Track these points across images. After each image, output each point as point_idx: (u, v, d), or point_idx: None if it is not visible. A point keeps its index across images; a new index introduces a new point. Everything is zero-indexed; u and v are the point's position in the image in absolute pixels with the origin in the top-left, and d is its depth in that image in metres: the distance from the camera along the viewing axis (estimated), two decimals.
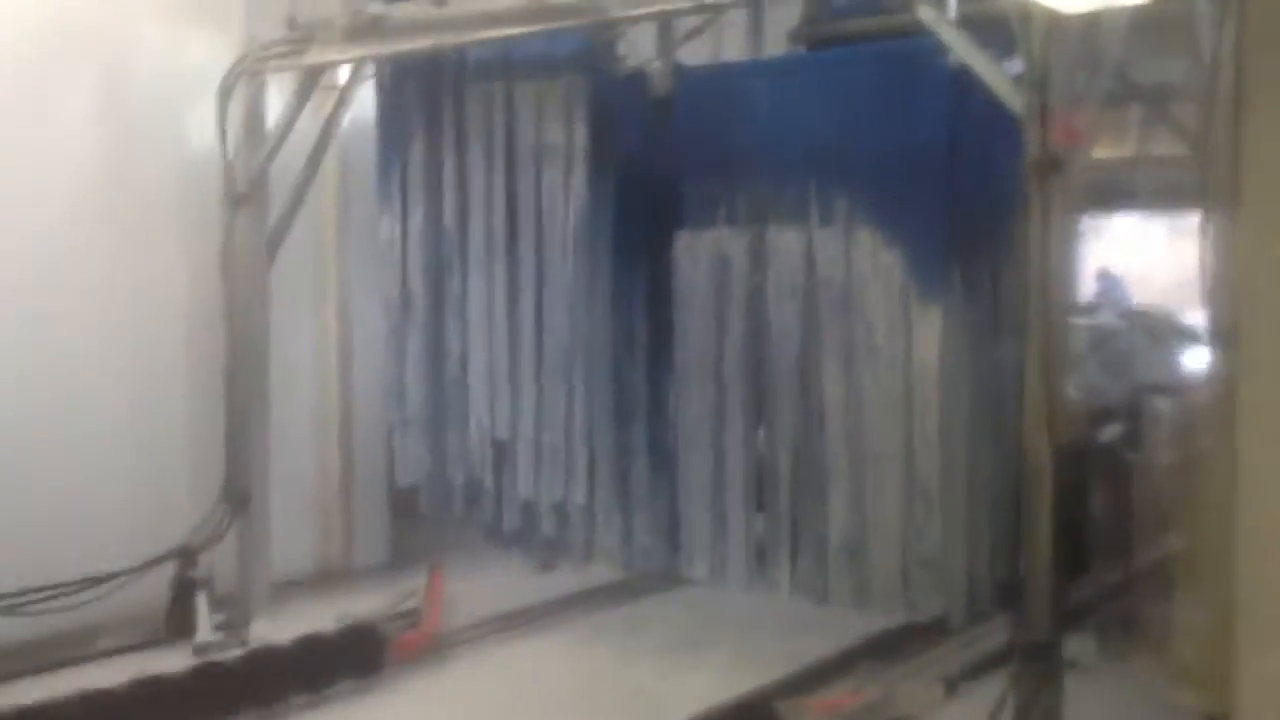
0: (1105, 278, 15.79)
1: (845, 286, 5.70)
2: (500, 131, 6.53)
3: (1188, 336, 8.81)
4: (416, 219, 6.86)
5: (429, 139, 6.81)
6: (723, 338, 6.04)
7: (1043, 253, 4.40)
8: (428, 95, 6.79)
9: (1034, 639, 4.36)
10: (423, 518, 8.78)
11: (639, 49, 6.40)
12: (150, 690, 5.19)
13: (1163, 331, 9.06)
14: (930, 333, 5.46)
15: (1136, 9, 4.75)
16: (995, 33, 4.84)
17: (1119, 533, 6.38)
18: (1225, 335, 4.55)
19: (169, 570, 6.59)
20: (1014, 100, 4.55)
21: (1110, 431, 6.86)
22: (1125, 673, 5.56)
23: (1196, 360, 8.66)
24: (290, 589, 7.32)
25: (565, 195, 6.36)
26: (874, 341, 5.58)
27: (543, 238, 6.47)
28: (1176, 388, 8.01)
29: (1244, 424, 3.56)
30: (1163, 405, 7.02)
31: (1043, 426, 4.46)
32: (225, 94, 6.72)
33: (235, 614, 6.69)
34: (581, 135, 6.26)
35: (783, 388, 5.87)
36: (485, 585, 7.35)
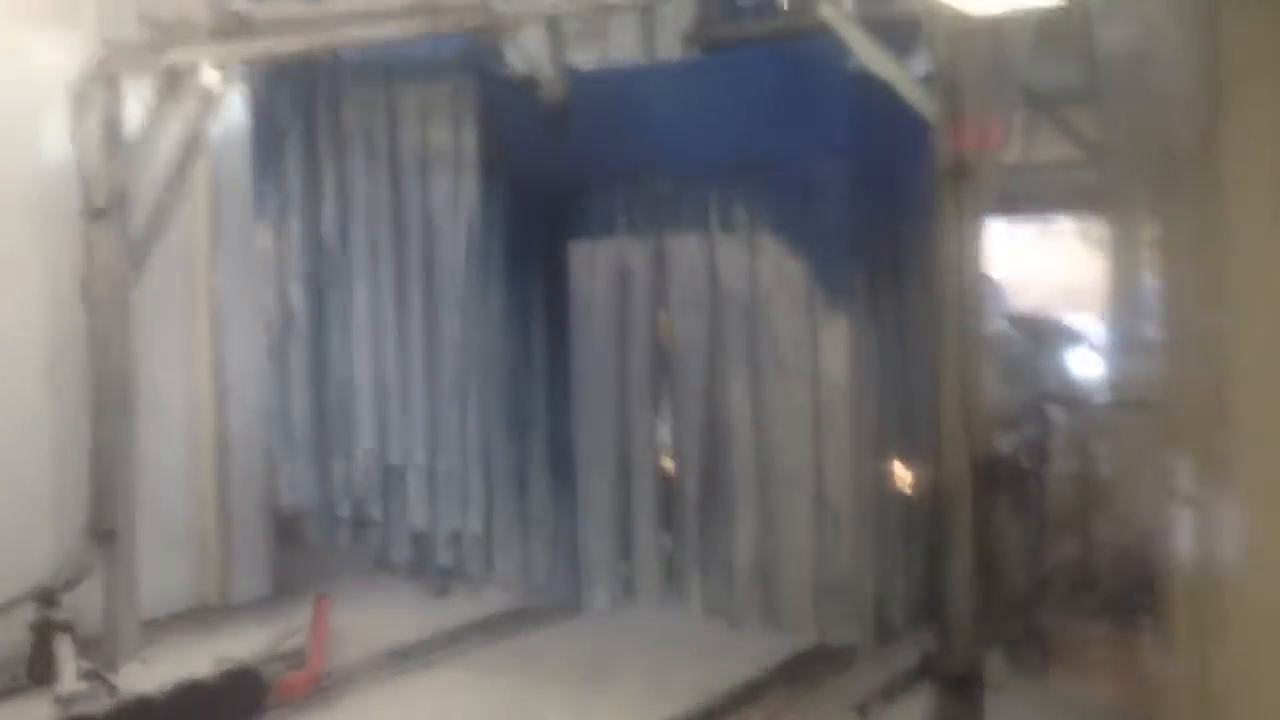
0: (984, 283, 16.03)
1: (750, 296, 5.54)
2: (382, 138, 6.22)
3: (1073, 341, 8.87)
4: (294, 230, 6.50)
5: (307, 145, 6.47)
6: (625, 352, 5.83)
7: (956, 258, 4.25)
8: (305, 100, 6.45)
9: (954, 670, 4.19)
10: (308, 545, 8.44)
11: (525, 52, 6.12)
12: None
13: (1049, 337, 9.11)
14: (837, 344, 5.33)
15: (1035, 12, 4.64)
16: (891, 33, 4.71)
17: (1026, 544, 6.33)
18: (1134, 343, 4.50)
19: (29, 613, 6.11)
20: (923, 104, 4.40)
21: (1012, 441, 6.80)
22: (1039, 689, 5.46)
23: (1084, 366, 8.73)
24: (165, 627, 6.90)
25: (454, 205, 6.08)
26: (780, 354, 5.42)
27: (431, 249, 6.18)
28: (1073, 396, 8.06)
29: (1237, 426, 3.45)
30: (1061, 414, 7.03)
31: (960, 438, 4.30)
32: (79, 100, 6.26)
33: (103, 658, 6.24)
34: (469, 142, 5.99)
35: (688, 403, 5.68)
36: (376, 616, 7.00)
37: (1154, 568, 4.25)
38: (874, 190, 5.39)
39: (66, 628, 6.04)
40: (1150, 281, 4.73)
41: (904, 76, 4.55)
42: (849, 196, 5.35)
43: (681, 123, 5.68)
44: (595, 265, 5.93)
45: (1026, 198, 9.90)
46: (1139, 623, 4.91)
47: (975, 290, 4.37)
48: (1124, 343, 5.16)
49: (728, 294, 5.60)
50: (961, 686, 4.17)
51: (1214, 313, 3.51)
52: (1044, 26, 4.90)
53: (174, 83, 6.38)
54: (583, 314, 5.97)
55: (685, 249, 5.71)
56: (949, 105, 4.21)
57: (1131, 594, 5.35)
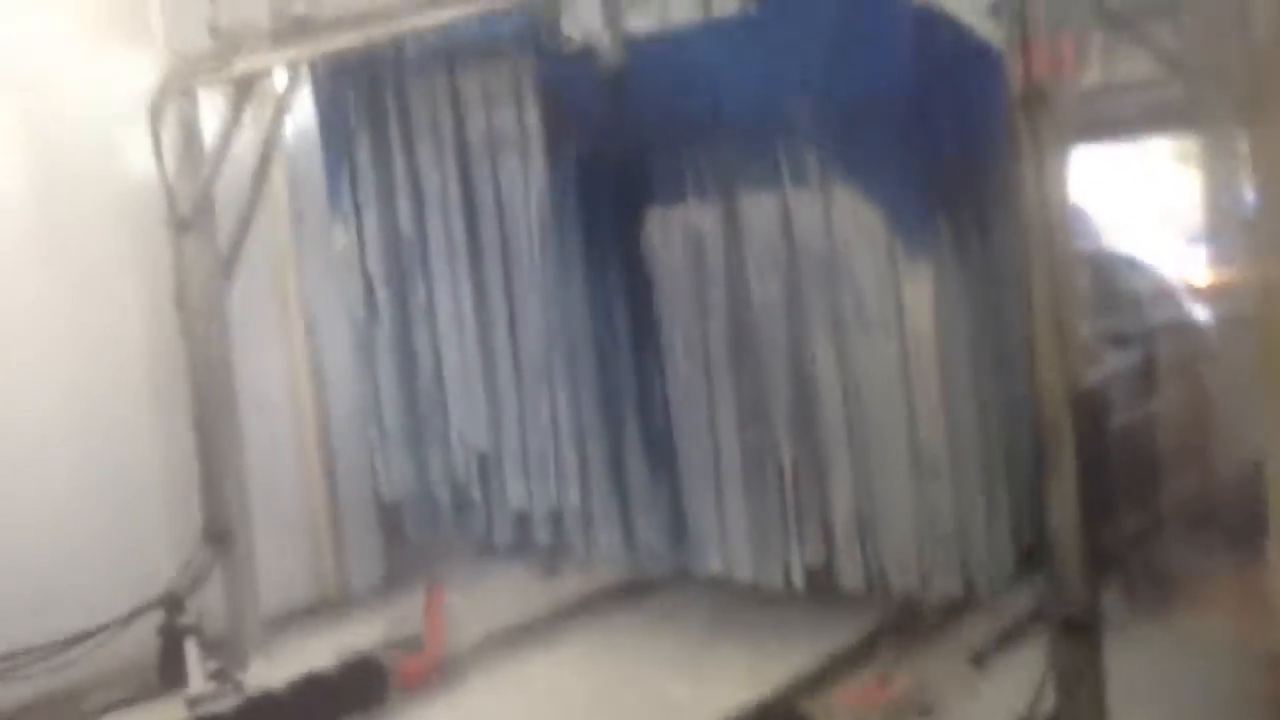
0: (1078, 214, 15.51)
1: (828, 250, 5.40)
2: (448, 124, 6.20)
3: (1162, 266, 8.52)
4: (371, 224, 6.54)
5: (374, 138, 6.48)
6: (705, 317, 5.75)
7: (1038, 189, 4.09)
8: (368, 92, 6.46)
9: (1069, 612, 4.07)
10: (415, 535, 8.55)
11: (585, 23, 6.07)
12: None
13: (1143, 265, 8.74)
14: (922, 291, 5.18)
15: None
16: None
17: (1136, 478, 6.12)
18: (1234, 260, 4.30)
19: (157, 620, 6.30)
20: (991, 32, 4.24)
21: (1115, 372, 6.58)
22: (1160, 628, 5.29)
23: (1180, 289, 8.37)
24: (286, 622, 7.05)
25: (524, 185, 6.04)
26: (863, 307, 5.29)
27: (506, 231, 6.15)
28: (1173, 321, 7.77)
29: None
30: (1174, 341, 6.77)
31: (1056, 375, 4.16)
32: (156, 114, 6.37)
33: (229, 658, 6.42)
34: (534, 120, 5.93)
35: (773, 364, 5.58)
36: (487, 599, 7.08)
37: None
38: (948, 127, 5.19)
39: (193, 630, 6.20)
40: (1247, 195, 4.51)
41: (970, 5, 4.39)
42: (920, 136, 5.14)
43: (742, 77, 5.52)
44: (670, 233, 5.84)
45: (1111, 121, 9.54)
46: (1261, 555, 4.71)
47: (1062, 221, 4.21)
48: (1223, 260, 4.94)
49: (804, 250, 5.46)
50: (1078, 630, 4.05)
51: None
52: None
53: (245, 89, 6.47)
54: (662, 284, 5.88)
55: (757, 207, 5.58)
56: (1018, 31, 4.04)
57: (1251, 524, 5.15)
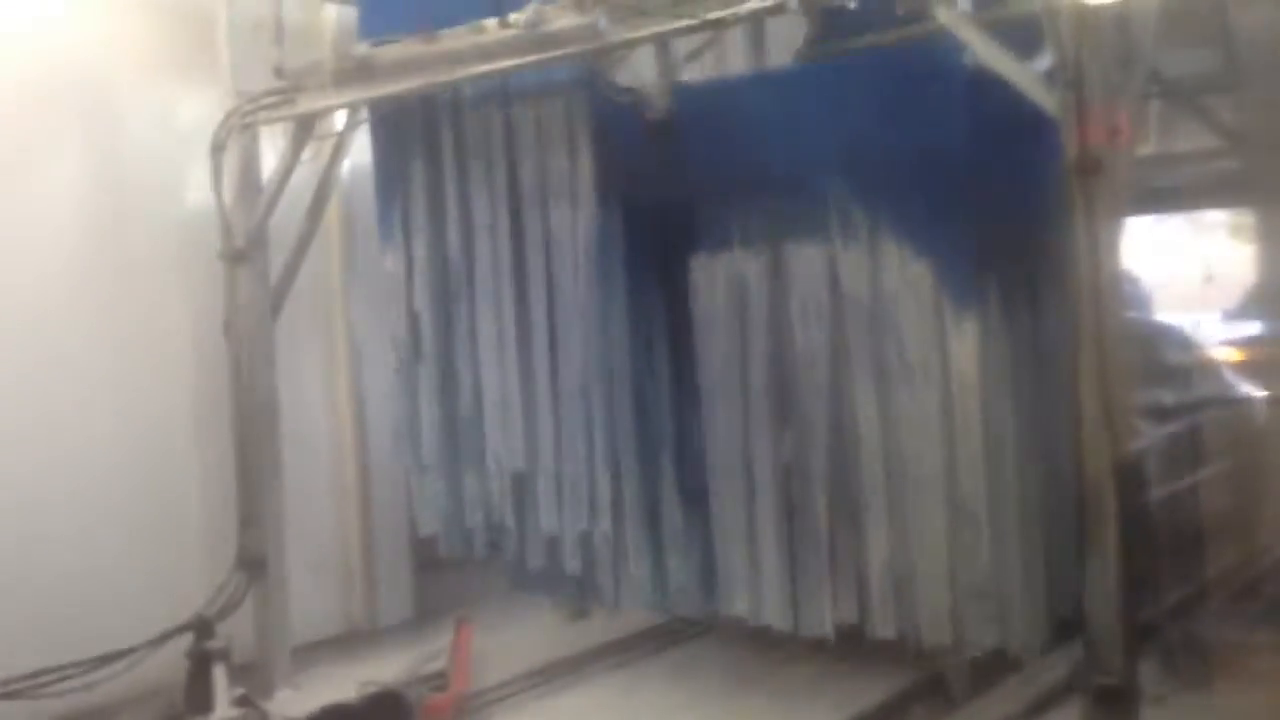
0: (1129, 282, 15.40)
1: (872, 301, 5.41)
2: (500, 159, 6.31)
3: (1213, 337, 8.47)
4: (420, 251, 6.64)
5: (428, 170, 6.60)
6: (745, 364, 5.77)
7: (1091, 257, 4.10)
8: (424, 125, 6.58)
9: (1105, 682, 4.02)
10: (448, 570, 8.58)
11: (641, 76, 6.16)
12: None
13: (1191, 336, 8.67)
14: (967, 345, 5.17)
15: None
16: (1010, 34, 4.59)
17: (1182, 546, 6.05)
18: None
19: (187, 643, 6.34)
20: (1045, 98, 4.27)
21: (1162, 440, 6.53)
22: (1201, 701, 5.21)
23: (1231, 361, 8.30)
24: (314, 652, 7.09)
25: (572, 222, 6.12)
26: (907, 358, 5.28)
27: (551, 266, 6.23)
28: (1224, 392, 7.70)
29: None
30: (1218, 415, 6.71)
31: (1101, 439, 4.14)
32: (218, 148, 6.53)
33: (256, 685, 6.44)
34: (585, 160, 6.02)
35: (813, 413, 5.58)
36: (515, 638, 7.09)
37: None
38: (998, 189, 5.21)
39: (221, 656, 6.20)
40: None
41: (1025, 72, 4.42)
42: (970, 195, 5.17)
43: (793, 130, 5.58)
44: (714, 279, 5.89)
45: (1168, 192, 9.52)
46: None
47: (1113, 288, 4.21)
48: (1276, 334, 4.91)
49: (850, 300, 5.47)
50: (1114, 699, 3.99)
51: None
52: (1175, 13, 4.72)
53: (306, 128, 6.62)
54: (703, 325, 5.92)
55: (802, 257, 5.61)
56: (1074, 99, 4.07)
57: None
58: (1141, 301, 15.28)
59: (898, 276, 5.35)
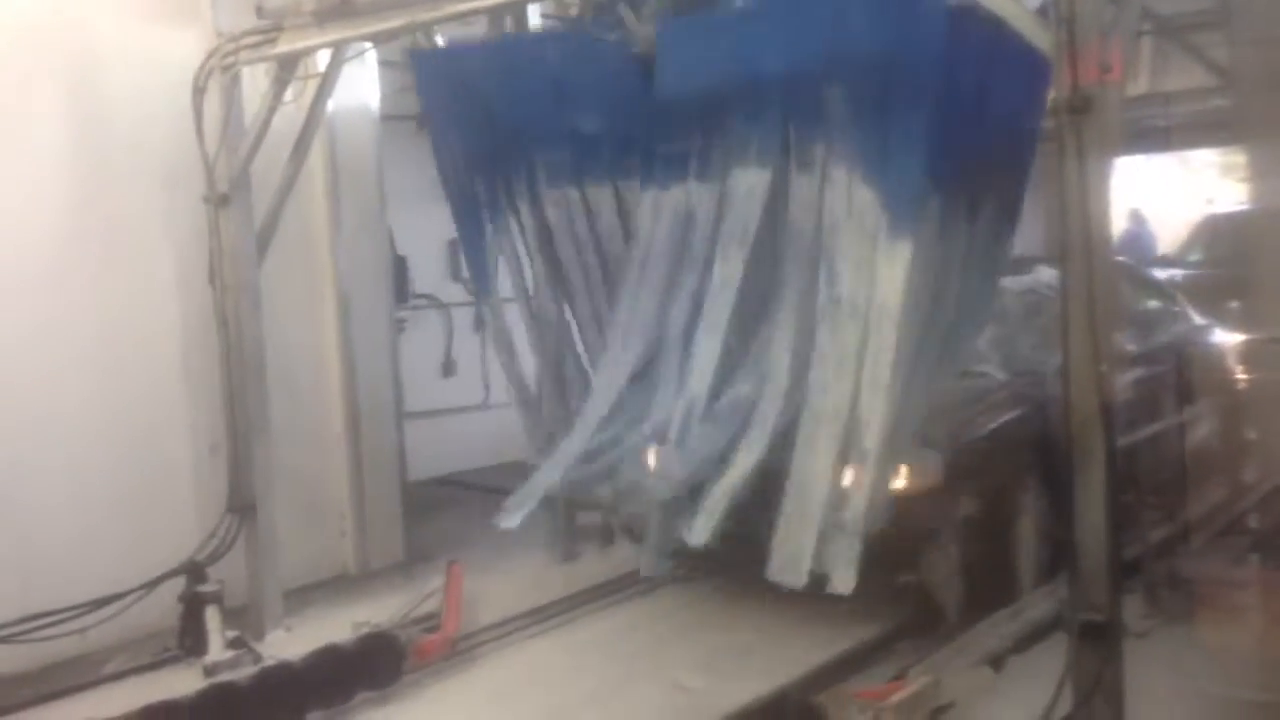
0: (1135, 220, 15.33)
1: (814, 232, 5.30)
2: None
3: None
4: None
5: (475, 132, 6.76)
6: (669, 299, 5.81)
7: (1080, 197, 4.07)
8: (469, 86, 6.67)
9: (1090, 618, 4.06)
10: (438, 513, 8.63)
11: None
12: (156, 717, 4.98)
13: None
14: (896, 271, 4.98)
15: None
16: None
17: (1165, 483, 6.10)
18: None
19: (179, 587, 6.36)
20: (1038, 36, 4.21)
21: (1150, 380, 6.55)
22: (1184, 635, 5.28)
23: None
24: (306, 595, 7.15)
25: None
26: (837, 290, 5.16)
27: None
28: (1212, 333, 7.73)
29: None
30: (1202, 351, 6.72)
31: (1089, 380, 4.14)
32: (199, 91, 6.43)
33: (249, 628, 6.49)
34: None
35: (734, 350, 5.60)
36: (505, 581, 7.15)
37: None
38: (967, 118, 5.09)
39: (214, 599, 6.26)
40: None
41: (1020, 8, 4.36)
42: (935, 123, 4.98)
43: (761, 55, 5.43)
44: (660, 213, 5.82)
45: (1159, 130, 9.47)
46: None
47: (1101, 230, 4.19)
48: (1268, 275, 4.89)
49: (792, 230, 5.38)
50: (1098, 634, 4.04)
51: None
52: None
53: (288, 69, 6.53)
54: (637, 263, 5.88)
55: (747, 185, 5.50)
56: (1065, 36, 4.02)
57: (1276, 534, 5.13)
58: (1146, 242, 15.29)
59: (844, 204, 5.22)
